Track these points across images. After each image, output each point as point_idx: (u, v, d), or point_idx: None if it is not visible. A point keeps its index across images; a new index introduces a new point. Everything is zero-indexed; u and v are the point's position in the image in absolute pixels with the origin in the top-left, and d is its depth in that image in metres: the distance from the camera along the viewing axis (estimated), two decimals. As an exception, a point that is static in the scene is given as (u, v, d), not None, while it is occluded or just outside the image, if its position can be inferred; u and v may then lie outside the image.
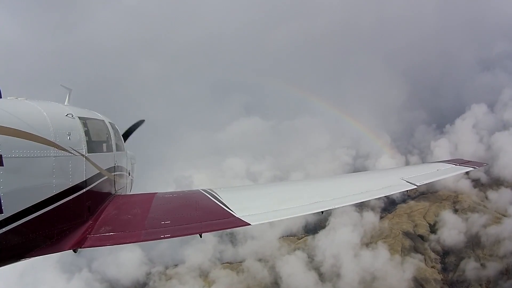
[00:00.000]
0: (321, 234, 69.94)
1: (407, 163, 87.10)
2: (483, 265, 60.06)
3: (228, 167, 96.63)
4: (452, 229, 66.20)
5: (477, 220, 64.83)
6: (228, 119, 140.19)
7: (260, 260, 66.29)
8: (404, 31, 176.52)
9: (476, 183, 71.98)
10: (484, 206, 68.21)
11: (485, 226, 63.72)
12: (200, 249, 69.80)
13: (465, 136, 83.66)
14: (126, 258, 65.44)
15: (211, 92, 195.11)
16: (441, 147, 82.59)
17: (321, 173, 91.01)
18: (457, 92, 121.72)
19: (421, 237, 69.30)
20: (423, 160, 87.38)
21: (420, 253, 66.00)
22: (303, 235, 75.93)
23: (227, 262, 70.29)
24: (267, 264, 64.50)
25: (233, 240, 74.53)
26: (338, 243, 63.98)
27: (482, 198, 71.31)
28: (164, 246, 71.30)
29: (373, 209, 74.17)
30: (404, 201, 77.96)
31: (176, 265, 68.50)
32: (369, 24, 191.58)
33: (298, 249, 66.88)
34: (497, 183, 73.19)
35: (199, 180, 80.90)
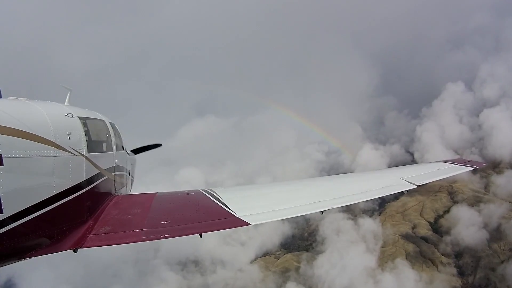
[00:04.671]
0: (311, 253, 57.44)
1: (392, 153, 78.02)
2: (505, 262, 50.78)
3: (182, 179, 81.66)
4: (460, 225, 56.67)
5: (489, 211, 55.62)
6: (177, 122, 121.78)
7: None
8: (368, 7, 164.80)
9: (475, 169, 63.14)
10: (493, 194, 59.31)
11: (499, 217, 54.61)
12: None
13: (447, 118, 75.88)
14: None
15: (153, 91, 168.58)
16: (428, 131, 73.78)
17: (290, 175, 79.45)
18: (428, 73, 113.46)
19: (425, 239, 59.11)
20: (406, 149, 78.74)
21: (429, 258, 55.72)
22: (280, 253, 65.08)
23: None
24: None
25: (201, 270, 62.13)
26: (336, 263, 51.54)
27: (485, 185, 62.58)
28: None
29: (364, 212, 63.15)
30: (393, 198, 67.34)
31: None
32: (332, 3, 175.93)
33: (288, 280, 53.18)
34: (494, 164, 65.12)
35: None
